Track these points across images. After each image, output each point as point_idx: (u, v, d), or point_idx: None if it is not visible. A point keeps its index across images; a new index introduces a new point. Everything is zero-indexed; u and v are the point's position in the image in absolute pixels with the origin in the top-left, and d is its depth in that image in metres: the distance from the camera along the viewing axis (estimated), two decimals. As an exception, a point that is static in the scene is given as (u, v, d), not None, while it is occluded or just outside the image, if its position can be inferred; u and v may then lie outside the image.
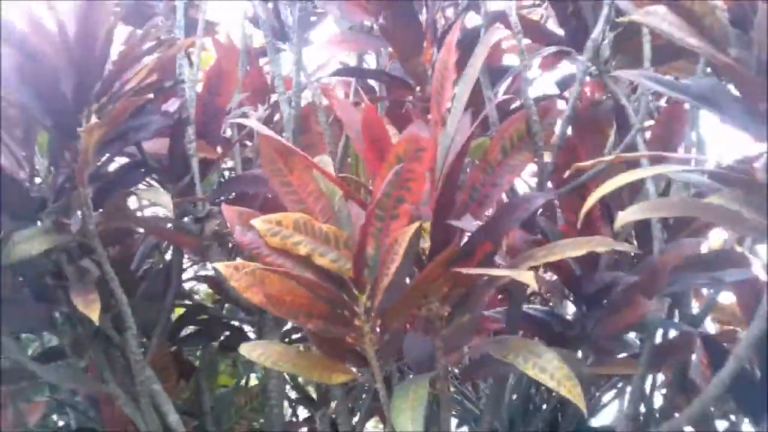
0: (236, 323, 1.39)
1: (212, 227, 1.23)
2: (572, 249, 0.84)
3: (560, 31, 1.15)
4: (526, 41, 1.30)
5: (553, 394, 1.09)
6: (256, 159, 1.47)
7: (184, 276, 1.43)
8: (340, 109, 1.00)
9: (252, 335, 1.36)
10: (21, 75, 1.03)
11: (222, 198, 1.37)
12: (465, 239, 0.90)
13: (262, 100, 1.60)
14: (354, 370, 0.85)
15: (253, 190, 1.32)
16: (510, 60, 1.44)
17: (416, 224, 0.77)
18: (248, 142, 1.49)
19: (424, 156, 0.81)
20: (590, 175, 0.98)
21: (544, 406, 1.22)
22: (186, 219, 1.24)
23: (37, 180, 1.11)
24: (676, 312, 1.08)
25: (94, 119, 1.03)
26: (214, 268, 0.90)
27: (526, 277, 0.72)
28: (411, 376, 0.91)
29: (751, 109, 0.76)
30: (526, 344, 0.78)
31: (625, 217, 0.76)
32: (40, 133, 1.10)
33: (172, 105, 1.25)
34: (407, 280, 0.87)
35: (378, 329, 0.83)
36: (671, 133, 1.09)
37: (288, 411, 1.49)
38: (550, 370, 0.73)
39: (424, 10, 1.19)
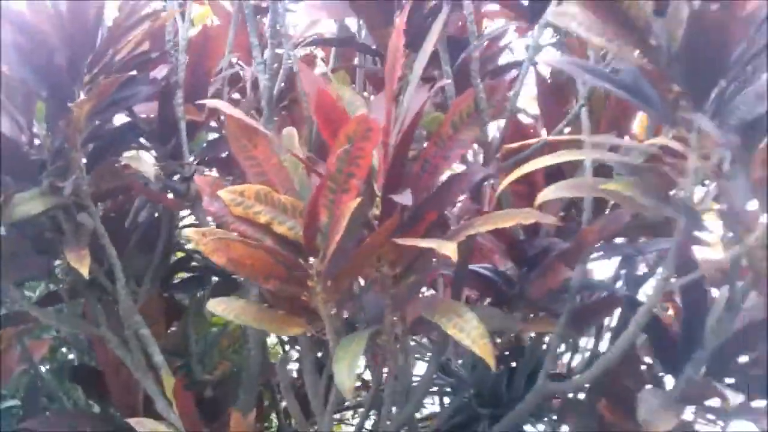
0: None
1: (197, 186, 1.35)
2: (504, 220, 0.94)
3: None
4: (494, 7, 1.37)
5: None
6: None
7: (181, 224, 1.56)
8: (305, 82, 1.10)
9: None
10: (19, 50, 1.13)
11: (209, 156, 1.49)
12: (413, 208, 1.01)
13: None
14: (308, 324, 0.97)
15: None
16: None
17: (358, 200, 0.87)
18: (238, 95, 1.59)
19: (372, 135, 0.91)
20: (535, 147, 1.07)
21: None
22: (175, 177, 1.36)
23: (36, 142, 1.22)
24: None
25: (85, 92, 1.14)
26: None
27: (449, 249, 0.82)
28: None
29: (663, 100, 0.85)
30: (452, 306, 0.89)
31: (544, 195, 0.86)
32: (38, 102, 1.20)
33: (160, 71, 1.34)
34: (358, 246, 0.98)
35: (329, 289, 0.95)
36: (622, 113, 1.17)
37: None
38: (467, 329, 0.84)
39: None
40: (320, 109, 0.93)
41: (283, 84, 1.33)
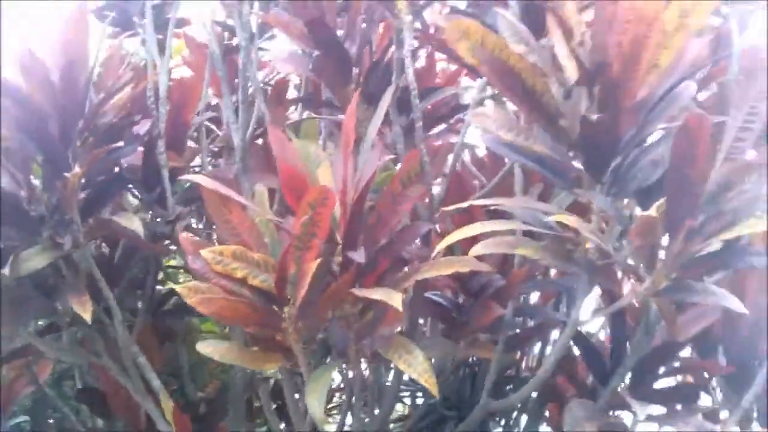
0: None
1: (181, 228, 1.50)
2: (446, 267, 1.11)
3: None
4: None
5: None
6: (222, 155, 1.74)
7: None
8: (275, 145, 1.25)
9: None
10: (15, 118, 1.27)
11: (192, 196, 1.64)
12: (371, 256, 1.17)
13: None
14: (284, 360, 1.14)
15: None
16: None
17: (318, 260, 1.03)
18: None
19: (328, 202, 1.06)
20: (474, 197, 1.24)
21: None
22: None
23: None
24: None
25: (77, 154, 1.29)
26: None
27: (396, 301, 0.99)
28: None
29: (568, 176, 1.02)
30: (403, 343, 1.06)
31: (475, 250, 1.03)
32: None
33: (143, 126, 1.48)
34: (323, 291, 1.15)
35: (300, 330, 1.11)
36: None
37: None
38: (414, 365, 1.02)
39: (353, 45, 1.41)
40: (285, 181, 1.09)
41: (255, 125, 1.49)
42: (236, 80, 1.52)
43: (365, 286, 1.15)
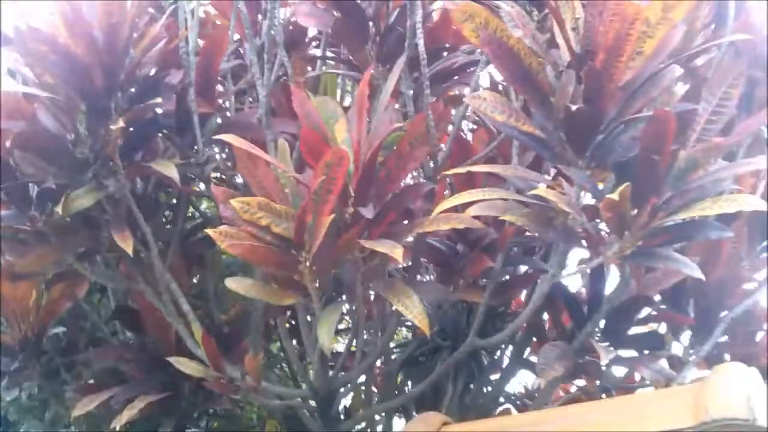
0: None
1: (210, 170, 1.66)
2: (444, 223, 1.26)
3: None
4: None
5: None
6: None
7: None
8: (297, 105, 1.38)
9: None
10: (61, 69, 1.40)
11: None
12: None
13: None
14: (299, 296, 1.31)
15: (244, 134, 1.72)
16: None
17: (332, 216, 1.18)
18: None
19: (343, 162, 1.21)
20: (474, 159, 1.37)
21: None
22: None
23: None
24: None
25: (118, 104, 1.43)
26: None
27: (397, 254, 1.15)
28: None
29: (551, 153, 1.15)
30: (402, 288, 1.23)
31: (470, 211, 1.18)
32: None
33: (175, 76, 1.61)
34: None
35: (314, 272, 1.28)
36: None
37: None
38: (411, 307, 1.18)
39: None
40: (304, 141, 1.23)
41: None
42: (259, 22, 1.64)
43: (374, 235, 1.30)
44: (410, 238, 1.38)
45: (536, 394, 1.87)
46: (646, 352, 1.40)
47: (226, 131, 1.75)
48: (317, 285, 1.29)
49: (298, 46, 1.83)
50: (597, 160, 1.12)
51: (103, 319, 1.99)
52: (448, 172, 1.21)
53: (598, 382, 1.52)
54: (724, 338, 1.56)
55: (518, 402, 1.97)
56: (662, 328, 1.54)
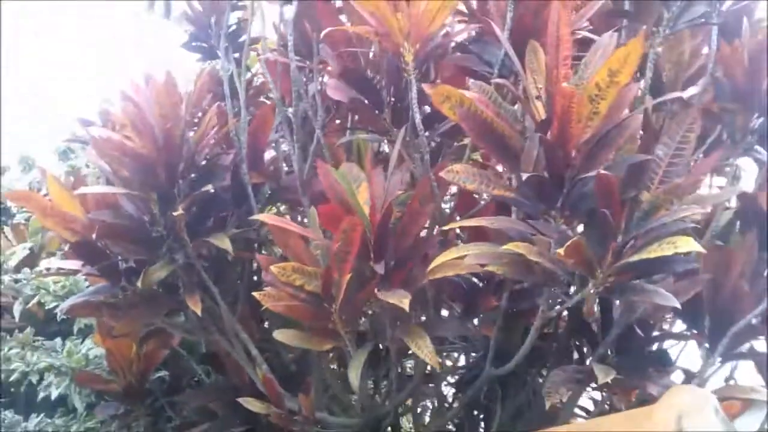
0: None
1: (265, 232, 1.93)
2: (450, 270, 1.45)
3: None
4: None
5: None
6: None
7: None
8: (322, 177, 1.62)
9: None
10: (134, 169, 1.71)
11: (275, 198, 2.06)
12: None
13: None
14: (334, 342, 1.54)
15: (289, 197, 2.00)
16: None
17: (350, 275, 1.41)
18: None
19: (357, 228, 1.43)
20: (473, 211, 1.56)
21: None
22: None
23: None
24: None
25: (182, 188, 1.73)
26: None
27: (404, 303, 1.35)
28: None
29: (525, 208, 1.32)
30: (417, 331, 1.43)
31: (469, 260, 1.36)
32: (152, 196, 1.79)
33: (228, 157, 1.89)
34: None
35: (343, 321, 1.50)
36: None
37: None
38: (422, 347, 1.38)
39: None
40: (322, 216, 1.47)
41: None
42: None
43: (394, 283, 1.52)
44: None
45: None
46: (653, 368, 1.52)
47: (277, 197, 2.06)
48: (348, 330, 1.51)
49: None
50: (568, 210, 1.28)
51: (197, 363, 2.31)
52: (445, 227, 1.40)
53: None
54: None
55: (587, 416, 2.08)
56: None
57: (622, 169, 1.29)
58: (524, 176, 1.23)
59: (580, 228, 1.36)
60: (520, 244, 1.22)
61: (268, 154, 2.12)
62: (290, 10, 1.86)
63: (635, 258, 1.19)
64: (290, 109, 2.01)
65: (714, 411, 1.08)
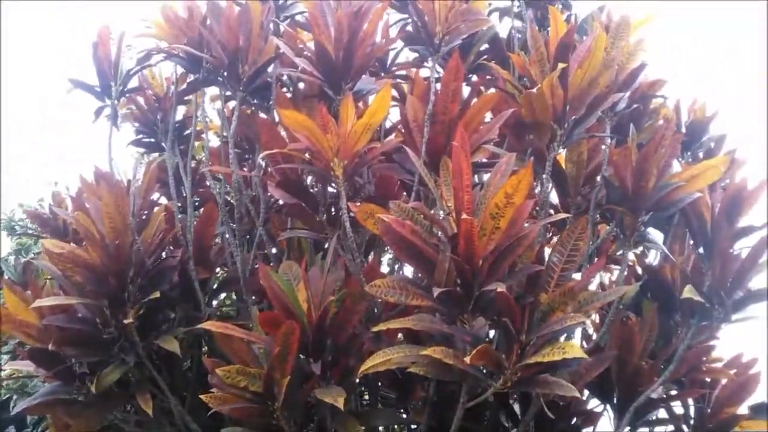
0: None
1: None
2: (381, 365, 1.60)
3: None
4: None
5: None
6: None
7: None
8: (262, 278, 1.76)
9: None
10: (86, 276, 1.83)
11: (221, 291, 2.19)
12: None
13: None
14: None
15: (235, 288, 2.14)
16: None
17: (288, 377, 1.54)
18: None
19: (294, 334, 1.57)
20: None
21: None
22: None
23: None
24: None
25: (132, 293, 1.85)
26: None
27: (340, 402, 1.49)
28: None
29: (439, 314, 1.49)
30: (351, 424, 1.57)
31: (393, 359, 1.52)
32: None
33: (175, 258, 2.02)
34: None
35: (286, 416, 1.63)
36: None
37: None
38: None
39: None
40: (262, 322, 1.61)
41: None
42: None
43: (332, 377, 1.66)
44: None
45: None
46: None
47: (223, 289, 2.20)
48: (292, 424, 1.64)
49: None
50: (476, 314, 1.45)
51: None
52: (375, 329, 1.55)
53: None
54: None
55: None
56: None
57: (522, 275, 1.47)
58: (436, 291, 1.40)
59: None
60: (437, 349, 1.39)
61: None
62: (231, 124, 2.02)
63: (533, 360, 1.36)
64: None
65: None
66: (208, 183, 2.35)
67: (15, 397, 2.54)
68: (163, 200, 2.40)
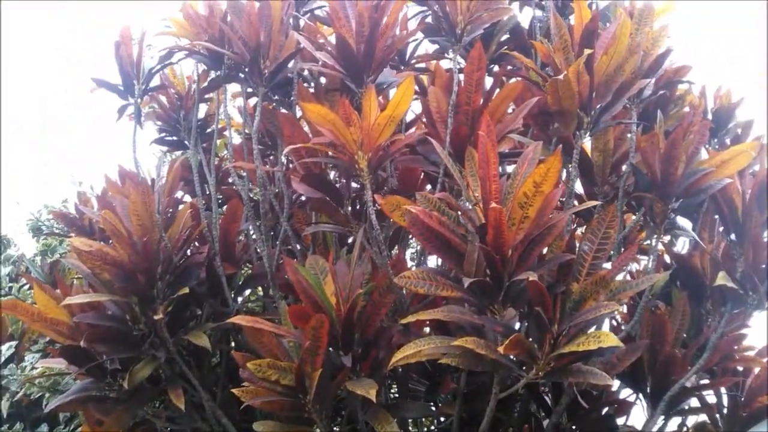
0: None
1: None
2: (412, 357, 1.59)
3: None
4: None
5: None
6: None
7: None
8: (290, 273, 1.77)
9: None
10: (115, 273, 1.84)
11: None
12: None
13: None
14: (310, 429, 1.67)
15: (261, 283, 2.15)
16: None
17: (319, 370, 1.55)
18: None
19: (324, 325, 1.57)
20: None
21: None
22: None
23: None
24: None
25: (161, 288, 1.86)
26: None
27: (371, 394, 1.49)
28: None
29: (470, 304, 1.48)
30: (384, 415, 1.57)
31: (422, 353, 1.51)
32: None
33: (202, 254, 2.03)
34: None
35: (317, 410, 1.64)
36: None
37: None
38: (388, 428, 1.53)
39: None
40: (292, 316, 1.61)
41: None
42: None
43: (362, 370, 1.66)
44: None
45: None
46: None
47: (249, 285, 2.21)
48: (323, 417, 1.64)
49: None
50: (506, 305, 1.44)
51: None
52: (404, 320, 1.55)
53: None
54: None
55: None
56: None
57: (553, 264, 1.46)
58: (466, 282, 1.40)
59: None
60: (469, 339, 1.38)
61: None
62: (254, 120, 2.03)
63: (567, 349, 1.35)
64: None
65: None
66: (231, 180, 2.36)
67: (47, 395, 2.57)
68: (187, 198, 2.41)
